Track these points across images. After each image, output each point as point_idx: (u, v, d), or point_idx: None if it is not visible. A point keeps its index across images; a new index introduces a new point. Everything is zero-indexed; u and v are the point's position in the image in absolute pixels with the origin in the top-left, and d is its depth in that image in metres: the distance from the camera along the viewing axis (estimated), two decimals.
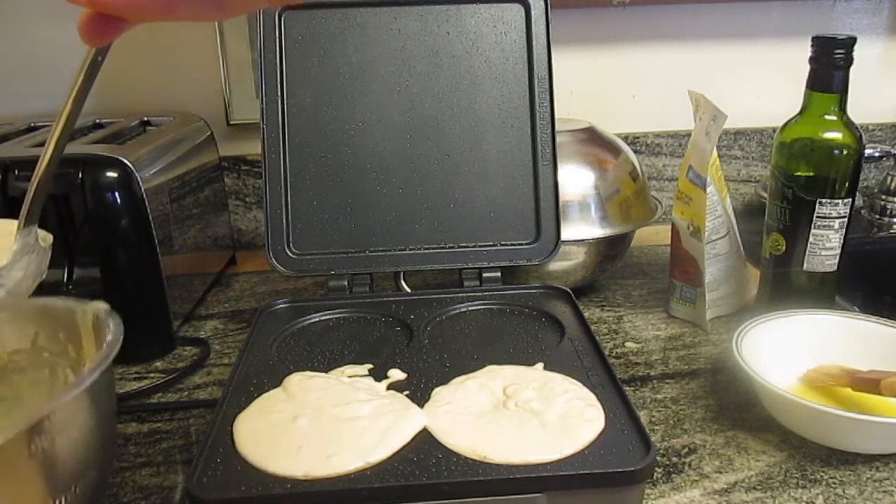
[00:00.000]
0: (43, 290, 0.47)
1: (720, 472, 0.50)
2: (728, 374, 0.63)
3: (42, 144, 0.69)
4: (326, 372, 0.54)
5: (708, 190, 0.68)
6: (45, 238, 0.42)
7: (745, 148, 1.05)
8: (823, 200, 0.65)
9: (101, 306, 0.44)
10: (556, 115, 0.71)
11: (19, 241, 0.41)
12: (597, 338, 0.58)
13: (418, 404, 0.49)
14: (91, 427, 0.39)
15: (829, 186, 0.65)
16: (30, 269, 0.42)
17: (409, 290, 0.72)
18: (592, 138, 0.80)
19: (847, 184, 0.65)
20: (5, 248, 0.40)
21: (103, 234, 0.64)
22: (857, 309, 0.70)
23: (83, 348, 0.45)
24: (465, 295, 0.68)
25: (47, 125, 0.81)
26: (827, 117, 0.65)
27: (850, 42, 0.62)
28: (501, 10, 0.70)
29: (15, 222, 0.39)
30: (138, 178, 0.64)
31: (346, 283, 0.69)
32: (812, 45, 0.64)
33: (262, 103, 0.69)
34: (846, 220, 0.66)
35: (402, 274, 0.72)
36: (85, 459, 0.39)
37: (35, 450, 0.34)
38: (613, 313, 0.77)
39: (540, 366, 0.54)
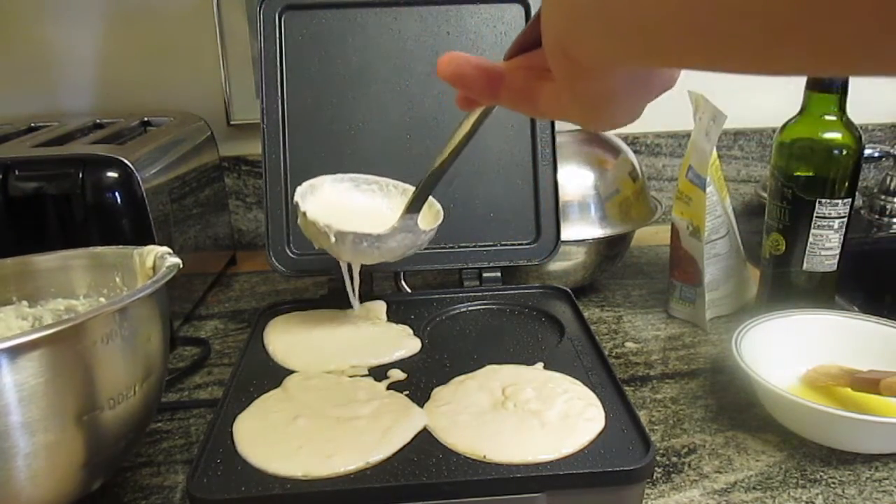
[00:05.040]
0: None
1: (720, 472, 0.50)
2: (728, 374, 0.63)
3: (42, 145, 0.70)
4: (326, 372, 0.54)
5: (707, 190, 0.68)
6: (430, 223, 0.54)
7: (744, 148, 1.05)
8: (823, 200, 0.65)
9: (161, 249, 0.50)
10: None
11: (400, 221, 0.51)
12: (597, 338, 0.58)
13: (418, 404, 0.49)
14: (156, 330, 0.46)
15: (828, 186, 0.65)
16: (402, 244, 0.54)
17: (409, 290, 0.72)
18: (592, 138, 0.80)
19: (847, 184, 0.65)
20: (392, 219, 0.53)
21: (104, 235, 0.64)
22: (856, 309, 0.70)
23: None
24: (465, 295, 0.68)
25: (48, 125, 0.81)
26: (827, 117, 0.65)
27: None
28: (501, 10, 0.70)
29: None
30: (139, 178, 0.64)
31: None
32: None
33: (262, 103, 0.69)
34: (846, 220, 0.66)
35: (402, 274, 0.72)
36: (151, 358, 0.45)
37: (105, 340, 0.40)
38: (613, 313, 0.77)
39: (540, 365, 0.54)
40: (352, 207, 0.59)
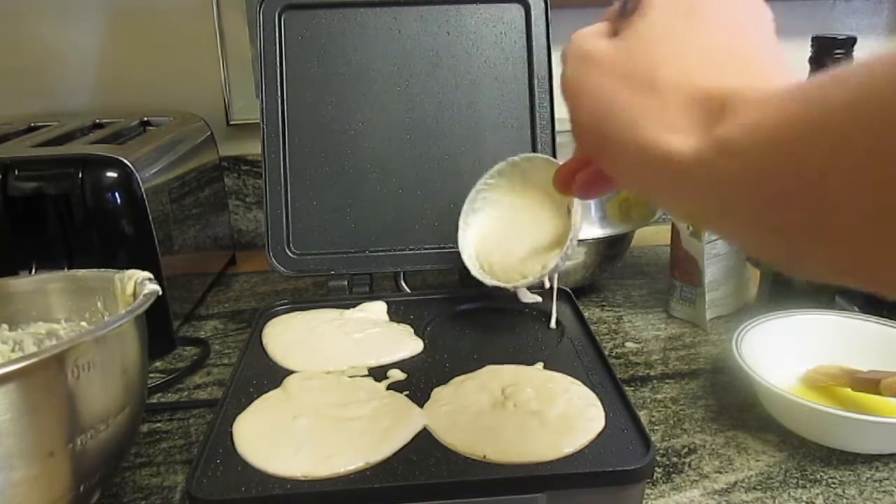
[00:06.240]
0: None
1: (720, 472, 0.50)
2: (728, 374, 0.63)
3: (42, 145, 0.70)
4: (326, 372, 0.54)
5: None
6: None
7: None
8: None
9: (141, 274, 0.48)
10: (556, 115, 0.71)
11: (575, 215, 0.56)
12: (597, 338, 0.58)
13: (418, 404, 0.49)
14: (132, 360, 0.44)
15: None
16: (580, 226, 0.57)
17: (409, 290, 0.72)
18: None
19: None
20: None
21: (103, 234, 0.64)
22: (857, 309, 0.70)
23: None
24: (465, 295, 0.67)
25: (47, 125, 0.81)
26: None
27: (849, 42, 0.62)
28: (501, 10, 0.70)
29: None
30: (138, 178, 0.64)
31: (346, 283, 0.69)
32: (812, 45, 0.64)
33: (262, 103, 0.69)
34: None
35: (402, 274, 0.72)
36: (128, 390, 0.43)
37: (75, 373, 0.38)
38: (613, 313, 0.77)
39: (540, 365, 0.54)
40: (505, 224, 0.62)
